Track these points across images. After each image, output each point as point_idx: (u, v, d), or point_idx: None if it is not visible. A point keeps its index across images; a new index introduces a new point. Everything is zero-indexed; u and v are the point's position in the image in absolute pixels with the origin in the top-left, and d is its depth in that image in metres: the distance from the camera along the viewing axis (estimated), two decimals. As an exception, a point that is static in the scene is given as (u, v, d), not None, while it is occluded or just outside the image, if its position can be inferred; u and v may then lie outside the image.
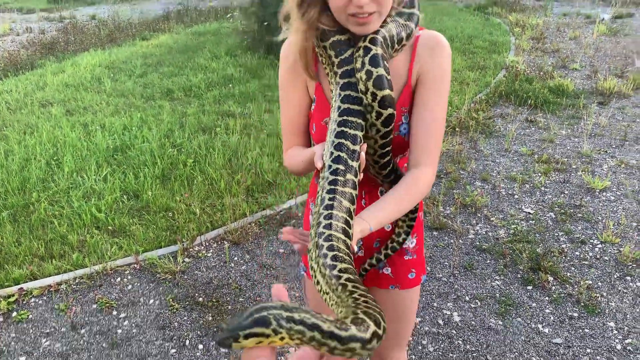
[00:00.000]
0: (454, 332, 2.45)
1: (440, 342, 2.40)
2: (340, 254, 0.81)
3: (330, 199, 0.94)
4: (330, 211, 0.91)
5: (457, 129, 4.75)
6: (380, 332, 0.55)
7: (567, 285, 2.72)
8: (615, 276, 2.78)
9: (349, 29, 1.08)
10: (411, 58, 1.16)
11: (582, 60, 7.00)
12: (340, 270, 0.75)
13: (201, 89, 6.13)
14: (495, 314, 2.55)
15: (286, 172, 3.99)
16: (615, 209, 3.43)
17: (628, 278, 2.76)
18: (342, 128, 1.04)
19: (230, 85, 6.24)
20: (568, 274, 2.80)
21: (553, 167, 4.01)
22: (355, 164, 1.01)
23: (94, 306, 2.67)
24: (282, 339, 0.51)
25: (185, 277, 2.88)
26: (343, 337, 0.51)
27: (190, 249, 3.12)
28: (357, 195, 1.00)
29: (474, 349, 2.35)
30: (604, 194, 3.62)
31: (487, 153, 4.32)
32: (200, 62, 7.30)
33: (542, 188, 3.72)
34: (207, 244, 3.18)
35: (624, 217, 3.30)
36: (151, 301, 2.71)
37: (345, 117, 1.05)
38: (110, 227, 3.31)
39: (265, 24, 7.39)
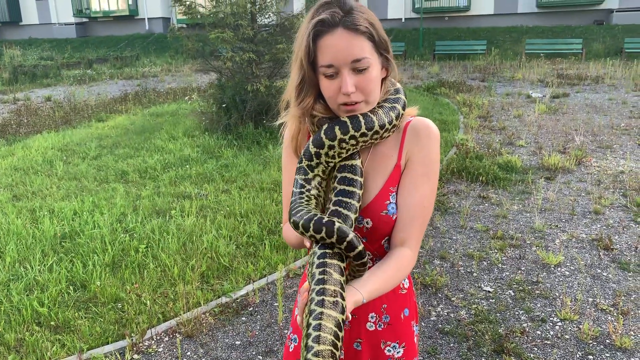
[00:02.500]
0: None
1: None
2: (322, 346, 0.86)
3: (320, 273, 0.99)
4: (321, 294, 0.95)
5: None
6: None
7: (532, 368, 2.67)
8: (577, 355, 2.76)
9: (340, 116, 1.19)
10: (401, 140, 1.23)
11: (527, 137, 7.39)
12: None
13: (157, 170, 6.06)
14: (462, 402, 2.45)
15: (243, 256, 3.89)
16: (570, 284, 3.47)
17: (590, 357, 2.74)
18: (337, 207, 1.11)
19: (187, 166, 6.20)
20: (532, 356, 2.76)
21: (508, 243, 4.08)
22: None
23: (29, 416, 2.41)
24: None
25: (133, 376, 2.67)
26: None
27: (140, 344, 2.92)
28: (345, 269, 1.04)
29: None
30: (559, 269, 3.68)
31: (444, 230, 4.37)
32: (157, 143, 7.27)
33: (500, 265, 3.76)
34: (158, 337, 2.99)
35: (580, 293, 3.34)
36: (94, 407, 2.47)
37: (340, 198, 1.13)
38: (52, 323, 3.08)
39: (224, 105, 7.53)
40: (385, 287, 1.14)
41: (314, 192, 1.18)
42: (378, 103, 1.20)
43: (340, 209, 1.11)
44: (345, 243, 1.03)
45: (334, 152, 1.17)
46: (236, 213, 4.65)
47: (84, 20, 26.79)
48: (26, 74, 16.31)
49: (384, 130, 1.18)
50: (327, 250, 1.04)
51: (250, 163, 6.23)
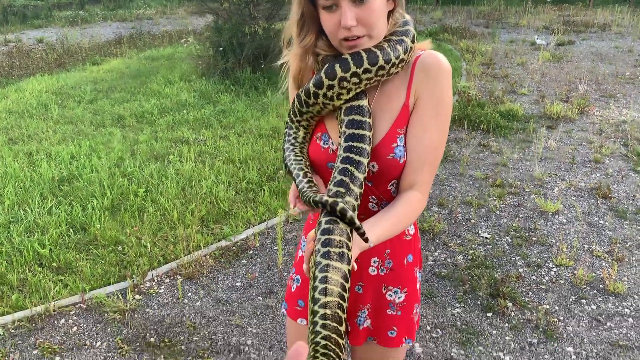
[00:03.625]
0: (417, 364, 2.40)
1: (403, 375, 2.34)
2: (330, 289, 0.86)
3: (327, 222, 0.96)
4: (327, 245, 0.93)
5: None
6: None
7: (526, 311, 2.73)
8: (571, 299, 2.82)
9: (342, 53, 1.12)
10: (410, 78, 1.14)
11: (530, 86, 7.28)
12: (321, 317, 0.81)
13: (154, 115, 5.98)
14: (457, 343, 2.52)
15: (242, 201, 3.89)
16: (567, 231, 3.50)
17: (583, 301, 2.80)
18: (348, 154, 1.06)
19: (184, 111, 6.11)
20: (526, 299, 2.81)
21: (507, 191, 4.09)
22: (357, 190, 1.03)
23: (35, 352, 2.47)
24: None
25: (136, 316, 2.72)
26: None
27: (141, 285, 2.96)
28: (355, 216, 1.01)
29: (437, 381, 2.30)
30: (556, 216, 3.70)
31: (443, 178, 4.37)
32: (154, 88, 7.14)
33: (498, 212, 3.77)
34: (159, 279, 3.03)
35: (576, 240, 3.37)
36: (98, 344, 2.53)
37: (350, 143, 1.07)
38: (54, 264, 3.11)
39: (221, 49, 7.34)
40: (393, 231, 1.11)
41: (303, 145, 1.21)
42: (385, 37, 1.12)
43: (351, 155, 1.06)
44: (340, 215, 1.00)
45: (333, 92, 1.10)
46: (235, 159, 4.62)
47: (74, -42, 25.69)
48: (16, 14, 15.81)
49: (390, 65, 1.09)
50: (337, 199, 0.99)
51: (248, 109, 6.14)
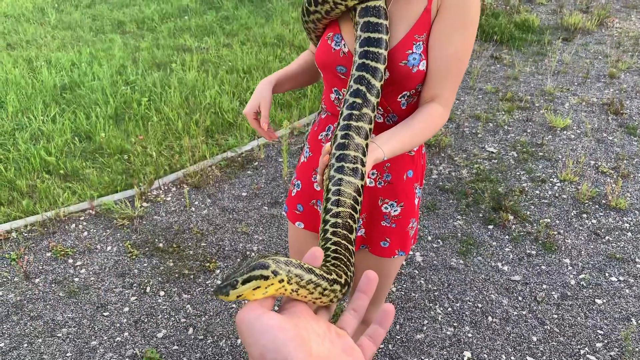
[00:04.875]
0: (416, 272, 2.48)
1: (403, 282, 2.43)
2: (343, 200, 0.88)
3: (342, 137, 0.95)
4: (341, 160, 0.93)
5: (422, 66, 4.65)
6: (347, 280, 0.64)
7: (527, 224, 2.77)
8: (572, 214, 2.85)
9: None
10: None
11: (549, -6, 6.89)
12: (332, 224, 0.83)
13: (155, 21, 5.76)
14: (457, 253, 2.59)
15: (247, 112, 3.84)
16: (574, 147, 3.48)
17: (584, 216, 2.84)
18: (363, 60, 1.01)
19: (186, 17, 5.88)
20: (528, 213, 2.85)
21: (517, 106, 4.01)
22: (374, 100, 0.99)
23: (48, 254, 2.57)
24: (281, 281, 0.52)
25: (144, 222, 2.79)
26: (329, 279, 0.58)
27: (148, 194, 3.01)
28: (372, 130, 0.99)
29: (435, 287, 2.40)
30: (565, 132, 3.65)
31: (452, 91, 4.27)
32: (153, -8, 6.81)
33: (506, 127, 3.73)
34: (166, 188, 3.07)
35: (582, 156, 3.35)
36: (109, 248, 2.62)
37: (366, 48, 1.01)
38: (62, 172, 3.15)
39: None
40: (411, 144, 1.07)
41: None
42: None
43: (367, 62, 1.00)
44: None
45: None
46: (239, 69, 4.50)
47: None
48: None
49: None
50: (353, 112, 0.96)
51: (252, 15, 5.89)
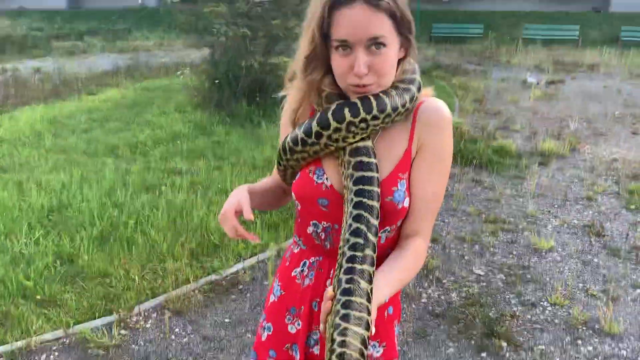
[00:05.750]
0: (410, 406, 2.33)
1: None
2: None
3: (347, 281, 0.94)
4: (347, 307, 0.91)
5: (406, 189, 4.78)
6: None
7: (521, 352, 2.67)
8: (566, 340, 2.77)
9: (348, 95, 1.12)
10: (412, 124, 1.14)
11: (522, 123, 7.36)
12: None
13: (147, 145, 5.97)
14: (451, 384, 2.45)
15: (234, 234, 3.84)
16: (561, 269, 3.48)
17: (579, 342, 2.75)
18: (361, 198, 1.04)
19: (178, 142, 6.11)
20: (521, 339, 2.76)
21: (500, 227, 4.07)
22: (374, 239, 1.01)
23: (13, 389, 2.38)
24: None
25: (121, 351, 2.64)
26: None
27: (128, 320, 2.88)
28: (374, 272, 0.99)
29: None
30: (550, 254, 3.68)
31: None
32: (148, 118, 7.16)
33: (492, 249, 3.75)
34: (146, 313, 2.95)
35: (570, 278, 3.34)
36: (80, 381, 2.44)
37: (361, 187, 1.05)
38: (39, 297, 3.03)
39: (217, 81, 7.41)
40: (407, 281, 1.10)
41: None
42: (392, 83, 1.12)
43: (364, 200, 1.04)
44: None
45: (339, 135, 1.09)
46: (228, 190, 4.59)
47: (76, -9, 26.16)
48: (14, 44, 15.97)
49: (396, 113, 1.10)
50: (357, 253, 0.98)
51: (242, 140, 6.15)
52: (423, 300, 3.11)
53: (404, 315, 2.96)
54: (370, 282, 0.96)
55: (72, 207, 4.14)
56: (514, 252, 3.70)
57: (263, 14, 7.26)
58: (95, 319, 2.88)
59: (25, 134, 6.36)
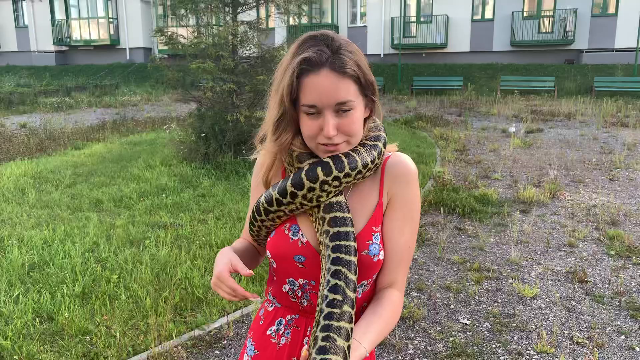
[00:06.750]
0: None
1: None
2: None
3: (323, 339, 0.93)
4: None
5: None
6: None
7: (509, 402, 2.64)
8: (554, 389, 2.74)
9: (318, 155, 1.15)
10: (381, 178, 1.19)
11: (502, 171, 7.52)
12: None
13: (132, 199, 5.97)
14: None
15: (218, 287, 3.80)
16: (546, 316, 3.48)
17: (566, 391, 2.73)
18: (337, 254, 1.05)
19: (164, 195, 6.12)
20: (508, 390, 2.73)
21: (485, 275, 4.09)
22: (352, 295, 1.01)
23: None
24: None
25: (99, 413, 2.55)
26: None
27: (108, 379, 2.80)
28: (352, 330, 0.98)
29: None
30: (535, 301, 3.69)
31: (421, 262, 4.37)
32: (134, 172, 7.18)
33: (476, 297, 3.75)
34: (127, 372, 2.88)
35: (555, 326, 3.34)
36: None
37: (337, 242, 1.07)
38: (16, 357, 2.95)
39: (203, 135, 7.52)
40: (385, 334, 1.10)
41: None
42: (360, 141, 1.17)
43: (341, 255, 1.05)
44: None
45: (313, 194, 1.12)
46: (212, 243, 4.58)
47: (64, 48, 26.68)
48: (2, 100, 16.08)
49: (366, 169, 1.15)
50: (334, 310, 0.98)
51: (228, 193, 6.18)
52: (409, 352, 3.08)
53: (391, 367, 2.92)
54: (347, 339, 0.96)
55: (54, 263, 4.09)
56: (499, 300, 3.71)
57: (249, 69, 7.48)
58: (74, 379, 2.79)
59: (8, 190, 6.33)
